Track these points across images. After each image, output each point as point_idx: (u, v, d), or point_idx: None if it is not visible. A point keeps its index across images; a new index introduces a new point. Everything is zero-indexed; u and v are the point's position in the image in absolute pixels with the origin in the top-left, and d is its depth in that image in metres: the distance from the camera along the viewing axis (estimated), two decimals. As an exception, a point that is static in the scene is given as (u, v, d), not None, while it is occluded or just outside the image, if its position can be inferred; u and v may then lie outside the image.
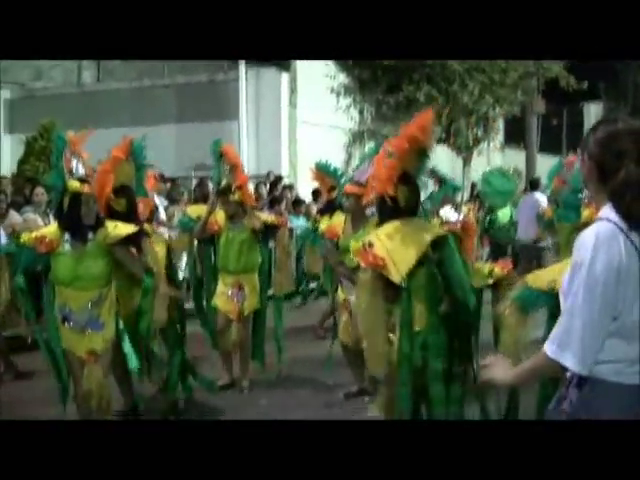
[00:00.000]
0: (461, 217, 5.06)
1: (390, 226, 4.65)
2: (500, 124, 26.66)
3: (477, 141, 18.96)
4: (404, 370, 4.49)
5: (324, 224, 7.17)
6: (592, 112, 36.69)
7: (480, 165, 22.78)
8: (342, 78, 17.93)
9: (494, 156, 26.24)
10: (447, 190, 9.79)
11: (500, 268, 4.96)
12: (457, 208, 10.53)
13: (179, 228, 7.77)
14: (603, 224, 2.55)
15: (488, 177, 12.00)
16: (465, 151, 18.60)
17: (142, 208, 6.22)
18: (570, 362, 2.50)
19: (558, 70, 18.55)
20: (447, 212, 8.81)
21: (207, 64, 16.89)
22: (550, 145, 31.93)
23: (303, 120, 17.19)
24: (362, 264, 4.54)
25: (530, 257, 11.93)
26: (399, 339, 4.53)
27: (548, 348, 2.55)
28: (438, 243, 4.60)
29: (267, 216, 7.66)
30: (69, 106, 17.57)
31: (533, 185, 13.50)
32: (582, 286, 2.50)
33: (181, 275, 8.58)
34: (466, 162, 18.66)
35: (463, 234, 5.00)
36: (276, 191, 14.50)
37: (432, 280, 4.60)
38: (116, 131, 17.74)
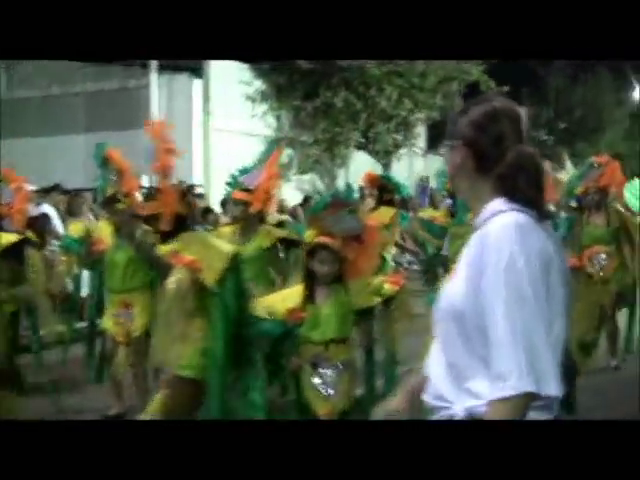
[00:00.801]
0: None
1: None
2: (422, 129, 26.53)
3: (397, 146, 18.57)
4: (214, 374, 4.38)
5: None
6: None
7: (402, 171, 22.54)
8: (258, 84, 17.41)
9: (416, 161, 26.04)
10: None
11: (391, 284, 4.53)
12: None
13: (62, 249, 7.17)
14: (514, 214, 2.11)
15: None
16: (385, 157, 18.17)
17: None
18: (553, 387, 2.00)
19: (478, 74, 18.29)
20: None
21: (119, 70, 16.28)
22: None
23: (217, 128, 16.61)
24: (177, 264, 4.37)
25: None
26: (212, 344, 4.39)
27: (507, 387, 1.97)
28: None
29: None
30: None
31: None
32: (509, 292, 2.01)
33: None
34: (386, 168, 18.26)
35: (359, 242, 4.53)
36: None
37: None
38: (26, 141, 17.21)
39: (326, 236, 4.37)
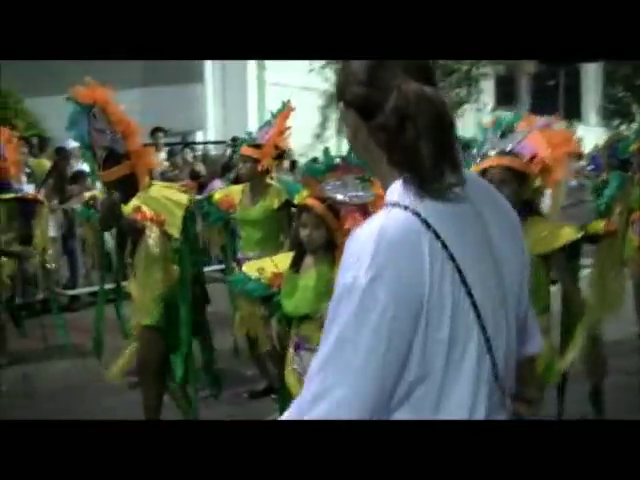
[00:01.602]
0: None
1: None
2: (490, 85, 25.67)
3: (461, 103, 17.82)
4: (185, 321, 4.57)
5: (219, 194, 6.16)
6: (590, 73, 35.71)
7: (468, 128, 21.82)
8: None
9: (485, 118, 25.26)
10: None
11: None
12: None
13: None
14: (394, 215, 1.53)
15: None
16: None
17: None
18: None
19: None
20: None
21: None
22: (545, 107, 31.00)
23: (272, 82, 16.17)
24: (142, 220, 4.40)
25: None
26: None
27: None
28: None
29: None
30: None
31: None
32: (355, 322, 1.47)
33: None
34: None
35: (363, 213, 4.06)
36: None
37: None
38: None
39: (315, 199, 3.95)
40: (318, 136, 16.62)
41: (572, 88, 34.66)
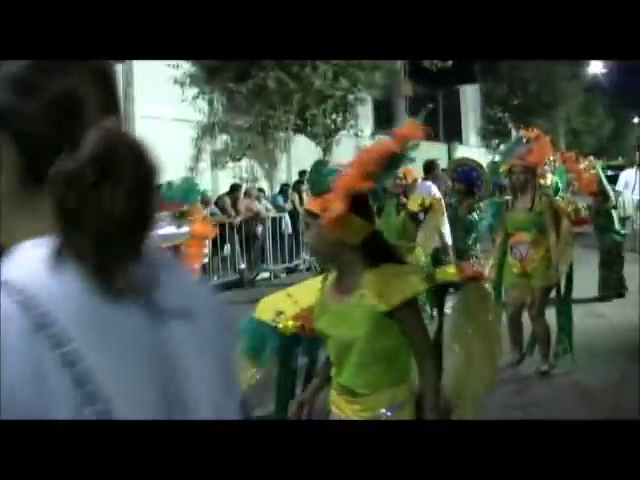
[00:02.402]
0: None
1: None
2: (368, 110, 25.63)
3: (337, 129, 17.55)
4: None
5: None
6: (468, 95, 36.33)
7: (348, 154, 21.64)
8: (187, 67, 16.32)
9: (365, 143, 25.18)
10: None
11: None
12: None
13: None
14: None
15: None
16: (325, 140, 17.12)
17: None
18: None
19: (421, 50, 17.28)
20: None
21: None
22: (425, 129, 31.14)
23: (142, 115, 15.54)
24: None
25: None
26: None
27: None
28: None
29: None
30: None
31: (427, 169, 10.67)
32: None
33: None
34: (326, 152, 17.27)
35: None
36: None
37: None
38: None
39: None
40: (192, 169, 16.09)
41: (452, 109, 35.17)
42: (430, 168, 10.62)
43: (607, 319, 9.17)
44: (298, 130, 17.26)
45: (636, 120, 59.78)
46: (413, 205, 7.85)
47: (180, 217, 4.03)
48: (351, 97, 16.97)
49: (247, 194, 15.04)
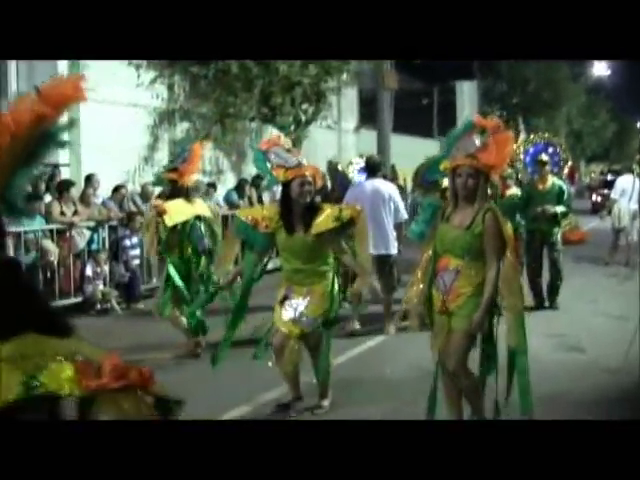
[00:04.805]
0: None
1: None
2: (354, 104, 24.16)
3: (308, 121, 16.02)
4: None
5: None
6: (465, 91, 35.04)
7: (330, 148, 20.21)
8: (145, 48, 14.83)
9: (346, 138, 23.70)
10: None
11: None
12: None
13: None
14: None
15: None
16: (294, 132, 15.51)
17: None
18: None
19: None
20: None
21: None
22: (420, 126, 29.97)
23: (93, 99, 14.04)
24: None
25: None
26: None
27: None
28: None
29: None
30: None
31: (371, 169, 9.54)
32: None
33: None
34: (295, 144, 15.70)
35: None
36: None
37: None
38: None
39: None
40: (146, 159, 14.62)
41: (447, 105, 33.92)
42: (374, 167, 9.34)
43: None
44: (266, 120, 15.83)
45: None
46: (326, 222, 5.66)
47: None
48: (324, 86, 15.48)
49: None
